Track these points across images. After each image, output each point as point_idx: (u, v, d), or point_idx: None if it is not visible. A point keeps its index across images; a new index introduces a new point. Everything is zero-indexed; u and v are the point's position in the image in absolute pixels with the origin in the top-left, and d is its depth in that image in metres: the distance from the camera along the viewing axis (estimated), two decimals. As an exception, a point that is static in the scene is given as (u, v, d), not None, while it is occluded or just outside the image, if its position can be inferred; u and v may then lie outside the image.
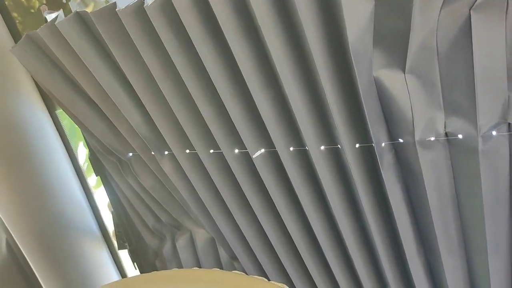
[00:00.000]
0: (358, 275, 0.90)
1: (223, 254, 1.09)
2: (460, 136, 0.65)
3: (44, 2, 1.33)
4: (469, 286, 0.83)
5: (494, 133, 0.63)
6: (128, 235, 1.21)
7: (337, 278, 0.92)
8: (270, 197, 0.84)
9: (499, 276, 0.77)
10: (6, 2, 1.18)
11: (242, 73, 0.68)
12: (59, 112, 1.15)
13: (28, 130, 1.05)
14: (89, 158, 1.07)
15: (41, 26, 0.77)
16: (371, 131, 0.67)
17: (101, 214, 1.30)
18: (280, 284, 0.69)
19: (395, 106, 0.66)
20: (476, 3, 0.56)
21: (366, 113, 0.65)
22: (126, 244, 1.24)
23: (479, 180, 0.66)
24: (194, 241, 1.10)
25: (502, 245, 0.74)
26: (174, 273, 0.78)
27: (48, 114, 1.13)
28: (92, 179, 1.33)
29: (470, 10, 0.57)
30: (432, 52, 0.61)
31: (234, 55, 0.67)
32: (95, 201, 1.27)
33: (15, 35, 1.07)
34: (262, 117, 0.73)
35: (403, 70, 0.63)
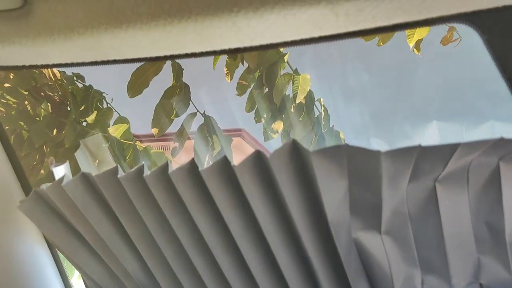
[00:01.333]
0: None
1: None
2: (436, 293, 0.69)
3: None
4: None
5: (467, 292, 0.67)
6: None
7: None
8: None
9: None
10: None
11: (233, 234, 0.74)
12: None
13: (26, 265, 1.08)
14: (86, 297, 1.09)
15: (49, 185, 0.84)
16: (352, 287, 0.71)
17: None
18: None
19: (374, 264, 0.71)
20: (440, 177, 0.63)
21: (347, 272, 0.70)
22: None
23: (460, 334, 0.69)
24: None
25: None
26: None
27: (49, 251, 1.16)
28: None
29: (435, 182, 0.64)
30: (404, 216, 0.67)
31: (225, 219, 0.73)
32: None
33: (20, 176, 1.11)
34: (253, 274, 0.77)
35: (379, 231, 0.69)
